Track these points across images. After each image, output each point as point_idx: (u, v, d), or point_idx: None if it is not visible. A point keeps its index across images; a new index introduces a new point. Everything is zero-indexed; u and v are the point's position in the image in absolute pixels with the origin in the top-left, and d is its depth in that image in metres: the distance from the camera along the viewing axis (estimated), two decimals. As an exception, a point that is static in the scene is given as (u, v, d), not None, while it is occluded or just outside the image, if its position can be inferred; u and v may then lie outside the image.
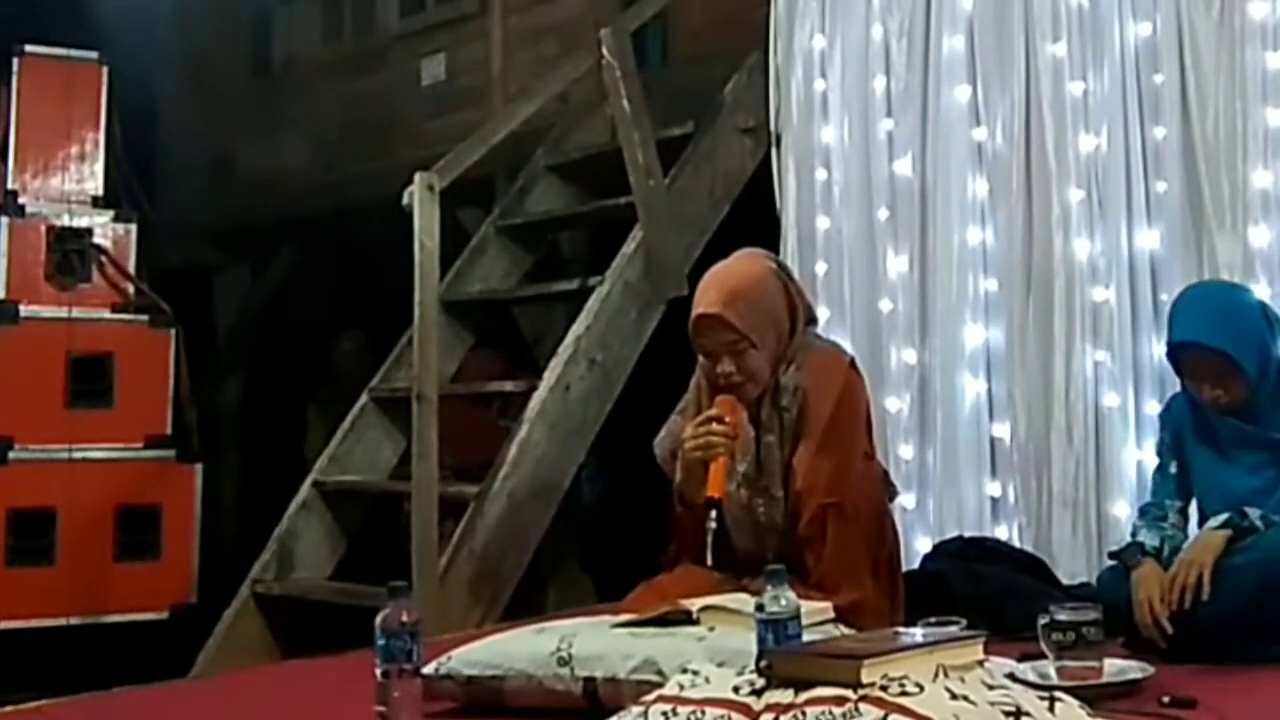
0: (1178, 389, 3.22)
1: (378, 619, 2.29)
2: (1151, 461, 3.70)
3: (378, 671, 2.28)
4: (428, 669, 2.48)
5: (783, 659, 2.11)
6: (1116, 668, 2.55)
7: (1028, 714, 1.93)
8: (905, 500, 4.00)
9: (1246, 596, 2.67)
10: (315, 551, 4.70)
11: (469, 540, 4.10)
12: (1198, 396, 2.98)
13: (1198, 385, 2.96)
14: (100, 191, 5.64)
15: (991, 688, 2.00)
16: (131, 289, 5.58)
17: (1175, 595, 2.73)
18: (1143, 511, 3.11)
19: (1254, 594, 2.67)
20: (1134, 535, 3.02)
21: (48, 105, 5.56)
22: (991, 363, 4.07)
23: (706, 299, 2.93)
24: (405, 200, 4.07)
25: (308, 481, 4.74)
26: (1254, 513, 2.78)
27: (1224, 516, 2.81)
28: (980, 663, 2.10)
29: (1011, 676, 2.25)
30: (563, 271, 5.27)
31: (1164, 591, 2.76)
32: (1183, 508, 3.08)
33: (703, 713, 2.03)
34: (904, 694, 1.91)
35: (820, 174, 4.45)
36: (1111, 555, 3.03)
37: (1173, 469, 3.08)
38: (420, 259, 4.06)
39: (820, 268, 4.41)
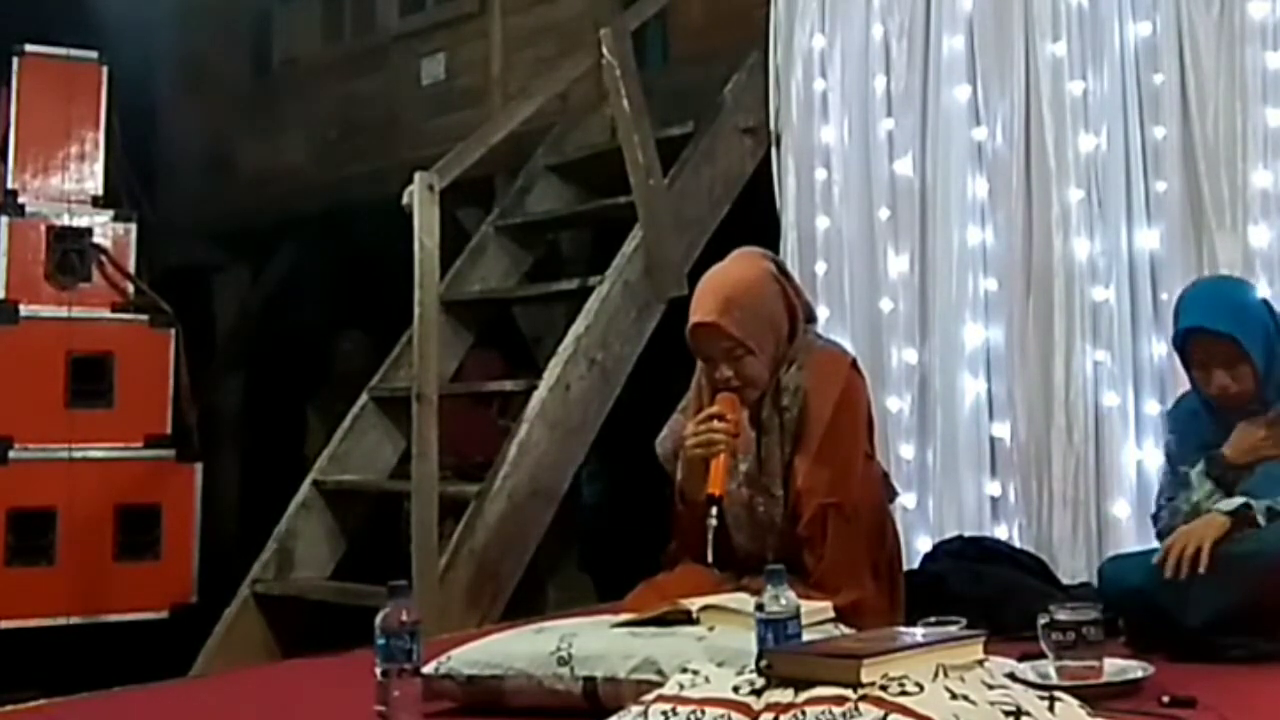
0: (1179, 389, 3.22)
1: (378, 619, 2.29)
2: (1151, 461, 3.72)
3: (378, 671, 2.29)
4: (428, 669, 2.48)
5: (783, 659, 2.11)
6: (1116, 668, 2.54)
7: (1028, 714, 1.93)
8: (905, 500, 4.00)
9: (1245, 590, 2.68)
10: (315, 551, 4.70)
11: (469, 540, 4.10)
12: (1206, 388, 2.96)
13: (1206, 374, 2.95)
14: (100, 191, 5.65)
15: (991, 688, 2.00)
16: (131, 289, 5.59)
17: (1172, 564, 2.71)
18: (1155, 518, 3.11)
19: (1253, 588, 2.68)
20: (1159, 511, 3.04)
21: (48, 105, 5.57)
22: (991, 363, 4.07)
23: (703, 307, 2.92)
24: (405, 200, 4.08)
25: (308, 481, 4.74)
26: (1260, 505, 2.76)
27: (1236, 502, 2.79)
28: (980, 663, 2.10)
29: (1011, 676, 2.24)
30: (563, 271, 5.27)
31: (1199, 539, 2.72)
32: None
33: (702, 712, 2.03)
34: (904, 694, 1.91)
35: (820, 174, 4.45)
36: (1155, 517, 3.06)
37: (1182, 469, 3.08)
38: (420, 259, 4.06)
39: (820, 268, 4.41)
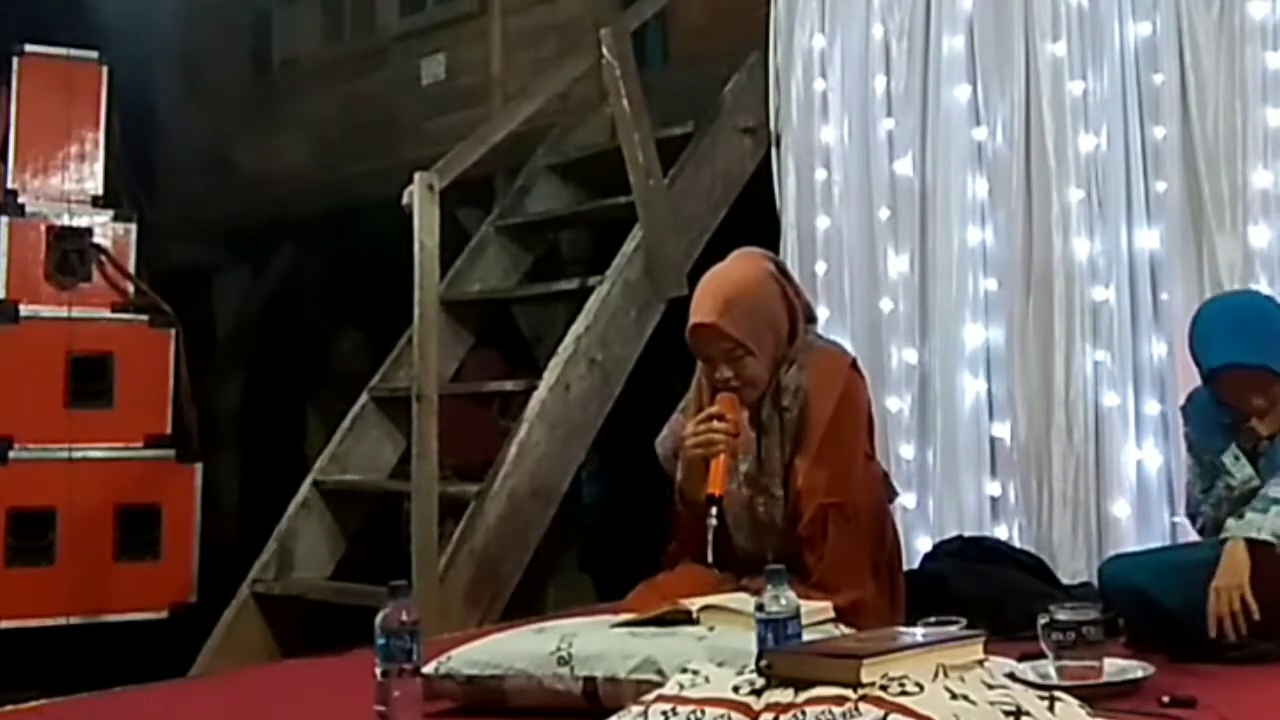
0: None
1: (378, 619, 2.29)
2: (1151, 461, 3.73)
3: (378, 671, 2.29)
4: (428, 669, 2.48)
5: (783, 659, 2.11)
6: (1116, 668, 2.55)
7: (1028, 714, 1.93)
8: (905, 500, 4.00)
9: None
10: (315, 551, 4.70)
11: (469, 540, 4.10)
12: (1242, 409, 2.92)
13: (1242, 400, 2.91)
14: (100, 191, 5.65)
15: (991, 687, 2.00)
16: (131, 289, 5.59)
17: (1229, 624, 2.67)
18: (1192, 517, 3.10)
19: (1254, 588, 2.68)
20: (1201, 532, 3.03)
21: (48, 105, 5.58)
22: (991, 363, 4.07)
23: (702, 308, 2.92)
24: (405, 200, 4.07)
25: (308, 481, 4.74)
26: (1267, 524, 2.75)
27: (1251, 526, 2.76)
28: (980, 663, 2.10)
29: (1011, 676, 2.25)
30: (563, 271, 5.27)
31: (1237, 589, 2.70)
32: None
33: (702, 712, 2.03)
34: (904, 694, 1.91)
35: (820, 174, 4.45)
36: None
37: (1205, 458, 3.06)
38: (420, 259, 4.06)
39: (820, 268, 4.41)
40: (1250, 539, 2.73)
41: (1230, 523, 2.81)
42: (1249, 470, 2.92)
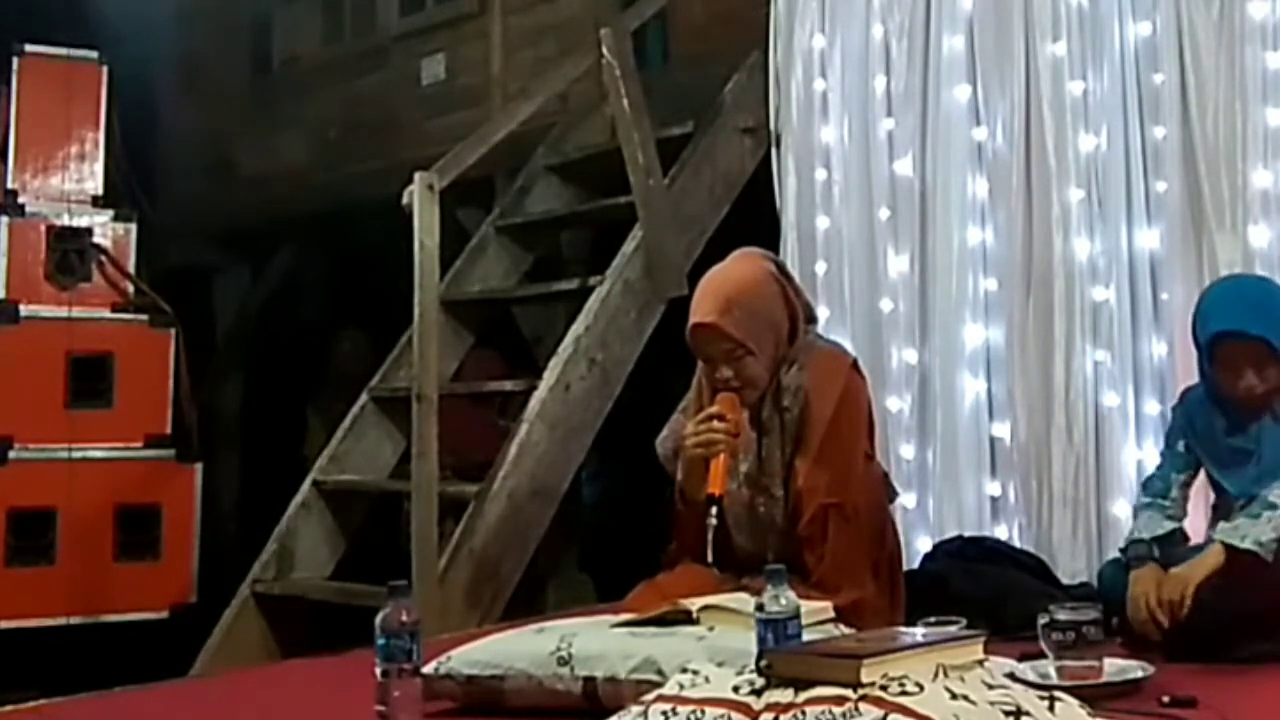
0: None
1: (378, 619, 2.29)
2: (1151, 461, 3.71)
3: (378, 671, 2.29)
4: (428, 669, 2.48)
5: (783, 659, 2.11)
6: (1116, 667, 2.55)
7: (1028, 714, 1.93)
8: (905, 500, 4.00)
9: (1245, 590, 2.69)
10: (315, 551, 4.70)
11: (469, 540, 4.10)
12: (1232, 389, 2.93)
13: (1234, 376, 2.91)
14: (100, 191, 5.65)
15: (991, 687, 2.00)
16: (131, 289, 5.59)
17: (1165, 612, 2.74)
18: (1145, 485, 3.11)
19: (1253, 588, 2.69)
20: (1135, 517, 3.06)
21: (48, 105, 5.57)
22: (991, 363, 4.07)
23: (703, 308, 2.92)
24: (405, 200, 4.08)
25: (308, 481, 4.74)
26: (1253, 532, 2.76)
27: (1235, 525, 2.79)
28: (980, 663, 2.10)
29: (1011, 676, 2.25)
30: (563, 271, 5.27)
31: (1159, 593, 2.77)
32: (1186, 482, 3.07)
33: (702, 712, 2.03)
34: (904, 694, 1.91)
35: (820, 174, 4.45)
36: (1122, 551, 3.03)
37: (1180, 447, 3.07)
38: (420, 259, 4.06)
39: (820, 268, 4.41)
40: (1233, 546, 2.74)
41: (1221, 525, 2.84)
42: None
